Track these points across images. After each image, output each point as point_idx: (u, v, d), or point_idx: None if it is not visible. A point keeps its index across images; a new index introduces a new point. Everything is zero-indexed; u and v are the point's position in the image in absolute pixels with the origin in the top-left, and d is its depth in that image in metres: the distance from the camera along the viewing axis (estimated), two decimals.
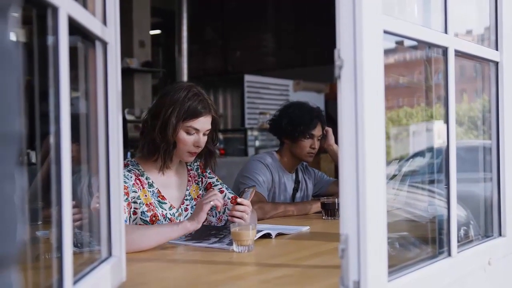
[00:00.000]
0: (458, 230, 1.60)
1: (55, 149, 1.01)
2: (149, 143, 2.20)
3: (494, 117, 1.83)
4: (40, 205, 1.60)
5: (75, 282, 1.10)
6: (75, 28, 1.12)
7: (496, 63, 1.82)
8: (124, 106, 1.57)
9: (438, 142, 1.91)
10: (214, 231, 2.14)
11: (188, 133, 2.18)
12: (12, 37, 0.61)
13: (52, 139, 1.02)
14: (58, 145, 1.01)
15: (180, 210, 2.28)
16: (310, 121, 2.98)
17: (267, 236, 2.10)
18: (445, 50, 1.53)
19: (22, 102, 0.63)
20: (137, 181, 2.18)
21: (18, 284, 0.63)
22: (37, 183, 1.99)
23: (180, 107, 2.15)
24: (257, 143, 7.67)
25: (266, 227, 2.21)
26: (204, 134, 2.22)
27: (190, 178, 2.38)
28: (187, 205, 2.32)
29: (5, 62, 0.58)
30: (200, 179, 2.41)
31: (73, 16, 1.08)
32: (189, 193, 2.35)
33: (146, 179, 2.22)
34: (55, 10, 1.00)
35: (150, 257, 1.84)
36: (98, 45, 1.35)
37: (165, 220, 2.20)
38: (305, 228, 2.35)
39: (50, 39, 1.02)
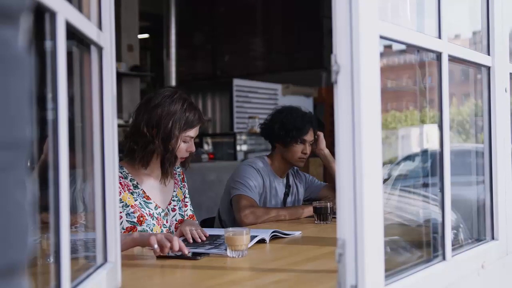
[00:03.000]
0: None
1: (52, 154, 1.00)
2: (149, 154, 2.24)
3: (486, 121, 1.85)
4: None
5: None
6: (71, 32, 1.11)
7: (488, 68, 1.83)
8: None
9: (428, 146, 1.92)
10: (209, 240, 2.12)
11: (184, 141, 2.28)
12: (23, 43, 0.61)
13: (49, 144, 1.01)
14: (55, 150, 1.01)
15: (166, 210, 2.34)
16: (303, 126, 2.98)
17: (261, 241, 2.10)
18: (439, 55, 1.54)
19: (32, 108, 0.63)
20: (119, 184, 2.19)
21: None
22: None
23: (180, 119, 2.24)
24: (246, 147, 7.66)
25: (259, 232, 2.21)
26: (194, 140, 2.34)
27: (176, 181, 2.46)
28: (174, 205, 2.39)
29: (17, 68, 0.58)
30: (182, 184, 2.50)
31: (71, 21, 1.07)
32: (176, 195, 2.42)
33: (131, 181, 2.27)
34: (53, 15, 0.99)
35: (145, 263, 1.83)
36: (93, 50, 1.34)
37: (152, 220, 2.25)
38: (298, 233, 2.36)
39: (47, 44, 1.01)
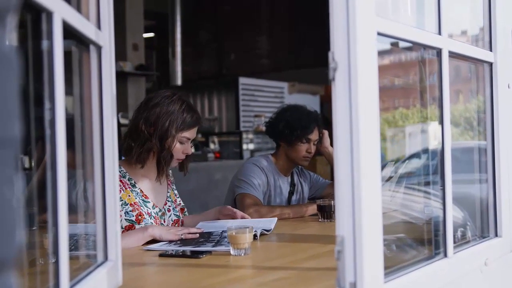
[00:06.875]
0: (455, 231, 1.61)
1: (50, 154, 1.01)
2: (146, 152, 2.28)
3: (489, 117, 1.84)
4: (35, 210, 1.59)
5: (71, 287, 1.09)
6: (69, 32, 1.11)
7: (490, 64, 1.82)
8: (117, 110, 1.60)
9: (434, 143, 1.92)
10: (202, 239, 2.12)
11: (181, 142, 2.32)
12: (10, 42, 0.61)
13: (47, 144, 1.02)
14: (53, 150, 1.01)
15: (163, 210, 2.39)
16: (308, 125, 2.97)
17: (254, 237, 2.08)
18: (439, 52, 1.53)
19: (21, 107, 0.63)
20: (119, 182, 2.23)
21: (18, 287, 0.63)
22: (32, 188, 1.99)
23: (177, 119, 2.27)
24: (252, 146, 7.66)
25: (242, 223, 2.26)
26: (191, 142, 2.37)
27: (169, 183, 2.50)
28: (169, 206, 2.44)
29: (5, 67, 0.58)
30: (173, 186, 2.54)
31: (68, 21, 1.08)
32: (169, 196, 2.47)
33: (129, 180, 2.31)
34: (49, 14, 1.00)
35: (146, 261, 1.84)
36: (92, 49, 1.34)
37: (150, 218, 2.28)
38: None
39: (44, 43, 1.02)
